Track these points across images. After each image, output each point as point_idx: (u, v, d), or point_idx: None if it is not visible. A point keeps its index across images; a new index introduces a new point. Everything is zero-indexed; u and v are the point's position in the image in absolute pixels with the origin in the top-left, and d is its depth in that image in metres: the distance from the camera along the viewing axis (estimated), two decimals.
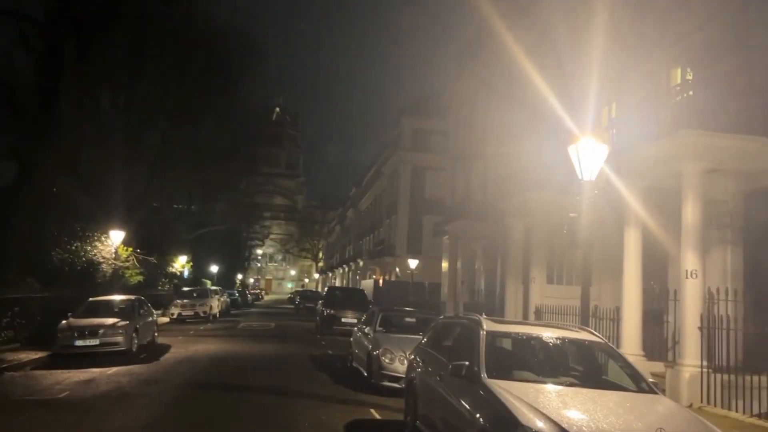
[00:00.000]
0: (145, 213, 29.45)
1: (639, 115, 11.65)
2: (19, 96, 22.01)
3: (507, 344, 6.66)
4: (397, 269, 42.70)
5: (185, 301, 29.59)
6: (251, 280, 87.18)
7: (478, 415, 5.33)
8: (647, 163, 11.29)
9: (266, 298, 75.05)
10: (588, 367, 6.44)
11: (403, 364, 10.69)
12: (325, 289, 41.22)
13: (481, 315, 7.05)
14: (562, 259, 18.38)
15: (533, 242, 17.88)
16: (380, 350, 11.05)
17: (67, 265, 19.63)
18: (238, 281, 64.43)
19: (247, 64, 31.27)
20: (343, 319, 22.94)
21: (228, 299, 38.87)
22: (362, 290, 30.70)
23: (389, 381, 10.77)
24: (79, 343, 14.32)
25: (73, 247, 20.30)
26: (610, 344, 7.06)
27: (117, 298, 17.36)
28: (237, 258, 63.10)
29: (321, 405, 9.68)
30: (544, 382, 5.71)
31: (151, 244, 28.32)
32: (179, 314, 28.68)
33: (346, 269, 71.12)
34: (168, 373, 12.63)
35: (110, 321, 14.98)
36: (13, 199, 18.04)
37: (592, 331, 7.21)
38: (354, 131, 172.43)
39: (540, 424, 4.66)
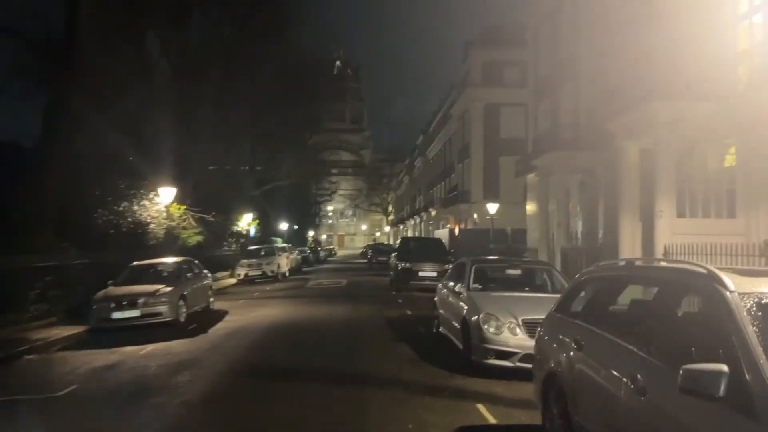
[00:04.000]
0: (203, 170, 27.61)
1: None
2: (57, 47, 20.10)
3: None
4: (475, 215, 39.44)
5: (252, 260, 27.83)
6: (323, 237, 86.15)
7: None
8: None
9: (339, 253, 73.85)
10: None
11: (515, 334, 7.76)
12: (398, 240, 38.44)
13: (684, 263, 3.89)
14: (696, 186, 14.63)
15: (657, 167, 14.22)
16: (481, 315, 8.08)
17: (113, 227, 17.68)
18: (310, 238, 63.08)
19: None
20: (420, 273, 20.55)
21: (299, 256, 37.27)
22: (440, 239, 27.69)
23: (496, 358, 7.83)
24: (116, 315, 12.20)
25: (120, 208, 18.32)
26: None
27: (162, 261, 15.19)
28: (307, 215, 61.58)
29: (406, 399, 6.84)
30: None
31: (211, 202, 26.37)
32: (245, 275, 26.94)
33: (418, 220, 68.62)
34: (212, 351, 10.20)
35: (152, 288, 12.76)
36: (45, 158, 15.95)
37: None
38: (418, 79, 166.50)
39: None
